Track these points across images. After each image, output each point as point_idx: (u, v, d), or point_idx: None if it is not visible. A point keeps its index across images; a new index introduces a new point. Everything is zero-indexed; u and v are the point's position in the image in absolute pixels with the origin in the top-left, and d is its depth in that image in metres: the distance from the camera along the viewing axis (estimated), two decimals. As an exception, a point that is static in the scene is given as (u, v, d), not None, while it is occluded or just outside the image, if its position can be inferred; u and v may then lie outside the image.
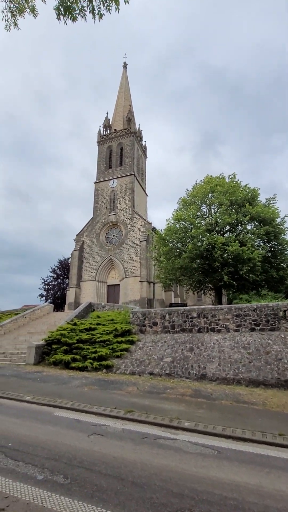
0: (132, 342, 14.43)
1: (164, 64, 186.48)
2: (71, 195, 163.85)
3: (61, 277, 47.54)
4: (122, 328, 15.31)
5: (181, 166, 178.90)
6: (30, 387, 8.53)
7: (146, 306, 26.90)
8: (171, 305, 29.84)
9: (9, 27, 5.81)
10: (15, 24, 5.80)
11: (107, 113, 39.87)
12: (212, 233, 17.99)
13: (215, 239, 17.10)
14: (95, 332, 15.18)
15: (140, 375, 11.89)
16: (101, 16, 5.13)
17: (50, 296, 45.61)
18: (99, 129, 38.14)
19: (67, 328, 15.51)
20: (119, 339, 14.60)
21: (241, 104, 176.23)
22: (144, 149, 39.94)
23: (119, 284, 31.15)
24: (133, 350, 13.88)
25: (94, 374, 11.64)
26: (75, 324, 16.32)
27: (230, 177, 22.27)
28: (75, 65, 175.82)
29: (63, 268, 47.72)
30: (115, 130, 37.49)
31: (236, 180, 21.80)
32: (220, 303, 21.29)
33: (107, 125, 38.60)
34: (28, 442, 4.69)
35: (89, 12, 5.10)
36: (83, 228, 34.32)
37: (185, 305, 32.38)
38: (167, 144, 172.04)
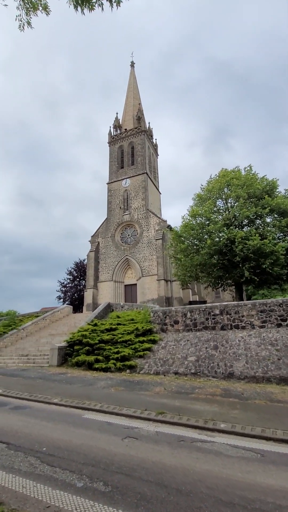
0: (154, 342, 14.22)
1: (169, 59, 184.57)
2: (83, 197, 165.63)
3: (78, 279, 47.91)
4: (143, 327, 15.14)
5: (192, 162, 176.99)
6: (56, 389, 8.46)
7: (164, 305, 26.65)
8: (190, 303, 29.38)
9: (23, 27, 5.71)
10: (29, 24, 5.69)
11: (117, 113, 39.86)
12: (231, 227, 17.52)
13: (234, 233, 16.63)
14: (116, 332, 15.07)
15: (164, 375, 11.67)
16: (118, 2, 4.92)
17: (67, 297, 46.03)
18: (110, 130, 38.14)
19: (88, 329, 15.47)
20: (141, 338, 14.43)
21: (250, 94, 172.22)
22: (155, 146, 39.64)
23: (136, 284, 31.03)
24: (156, 350, 13.66)
25: (118, 374, 11.50)
26: (95, 324, 16.27)
27: (246, 169, 21.68)
28: (80, 68, 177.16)
29: (79, 269, 48.08)
30: (125, 129, 37.39)
31: (252, 172, 21.20)
32: (241, 299, 20.76)
33: (117, 125, 38.54)
34: (62, 447, 4.55)
35: (106, 0, 4.91)
36: (98, 229, 34.41)
37: (205, 302, 31.83)
38: (177, 140, 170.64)
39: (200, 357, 12.31)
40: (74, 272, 47.41)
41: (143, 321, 16.44)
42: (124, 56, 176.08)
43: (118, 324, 16.33)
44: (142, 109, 37.83)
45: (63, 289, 46.90)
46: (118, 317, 18.21)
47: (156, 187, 37.21)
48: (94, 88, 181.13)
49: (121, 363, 12.58)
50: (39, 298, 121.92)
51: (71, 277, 47.36)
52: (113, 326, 15.70)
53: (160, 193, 38.42)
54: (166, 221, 30.85)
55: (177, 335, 14.61)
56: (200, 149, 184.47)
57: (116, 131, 38.33)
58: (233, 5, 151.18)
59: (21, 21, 5.62)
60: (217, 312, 14.45)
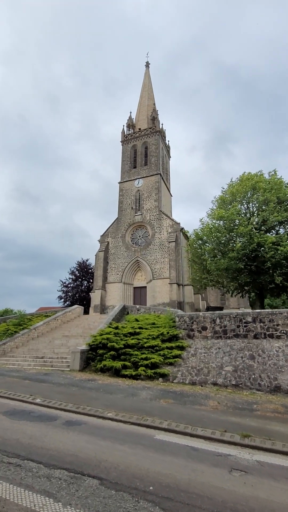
0: (182, 348, 13.38)
1: (174, 60, 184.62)
2: (82, 196, 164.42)
3: (80, 279, 46.86)
4: (168, 332, 14.29)
5: (192, 166, 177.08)
6: (100, 399, 7.58)
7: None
8: (207, 308, 28.65)
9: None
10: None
11: (130, 112, 39.30)
12: (260, 231, 16.85)
13: (264, 238, 15.95)
14: (140, 336, 14.20)
15: (201, 385, 10.83)
16: None
17: (68, 298, 44.90)
18: (123, 129, 37.52)
19: (110, 332, 14.58)
20: (168, 344, 13.59)
21: (254, 101, 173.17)
22: (168, 148, 39.08)
23: (146, 287, 30.17)
24: (186, 357, 12.82)
25: (151, 383, 10.64)
26: (116, 328, 15.40)
27: (271, 174, 21.14)
28: (83, 63, 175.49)
29: (82, 270, 47.06)
30: (139, 129, 36.78)
31: (278, 176, 20.66)
32: (262, 307, 20.06)
33: (130, 125, 37.95)
34: (171, 485, 3.65)
35: None
36: (108, 229, 33.55)
37: (222, 308, 31.14)
38: (178, 144, 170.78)
39: (238, 367, 11.51)
40: (77, 272, 46.33)
41: (166, 325, 15.60)
42: (129, 54, 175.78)
43: (140, 328, 15.47)
44: (157, 110, 37.27)
45: (65, 289, 45.77)
46: (137, 320, 17.35)
47: (168, 189, 36.57)
48: (97, 85, 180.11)
49: (152, 371, 11.72)
50: (32, 297, 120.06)
51: (73, 277, 46.31)
52: (136, 330, 14.83)
53: (172, 196, 37.79)
54: (179, 223, 30.14)
55: (205, 342, 13.78)
56: (201, 154, 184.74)
57: (129, 130, 37.72)
58: (241, 10, 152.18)
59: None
60: (249, 319, 13.69)
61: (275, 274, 15.52)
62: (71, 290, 45.29)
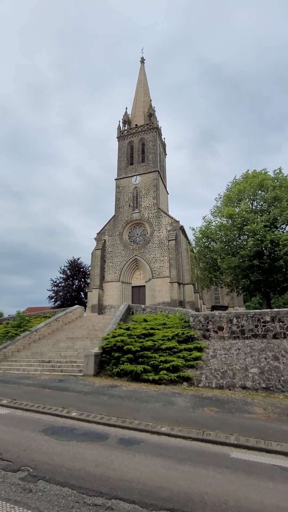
0: (200, 350, 12.83)
1: (161, 58, 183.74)
2: (66, 194, 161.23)
3: (71, 278, 45.64)
4: (183, 333, 13.71)
5: (178, 165, 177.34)
6: (141, 410, 6.85)
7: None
8: (213, 307, 28.30)
9: None
10: None
11: (126, 108, 38.42)
12: (272, 229, 16.57)
13: (278, 235, 15.67)
14: (155, 338, 13.54)
15: (230, 389, 10.30)
16: None
17: (59, 298, 43.58)
18: (119, 124, 36.65)
19: (123, 333, 13.82)
20: (184, 345, 13.00)
21: (239, 101, 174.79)
22: (164, 145, 38.55)
23: (144, 286, 29.50)
24: (206, 359, 12.27)
25: (177, 388, 10.02)
26: (128, 329, 14.65)
27: (276, 171, 21.00)
28: (68, 57, 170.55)
29: (73, 268, 45.88)
30: (136, 125, 36.02)
31: (284, 174, 20.53)
32: (269, 307, 19.87)
33: (126, 121, 37.11)
34: None
35: None
36: (105, 226, 32.61)
37: (226, 307, 30.89)
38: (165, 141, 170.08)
39: (264, 369, 11.07)
40: (68, 271, 45.08)
41: (178, 326, 15.03)
42: (115, 49, 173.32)
43: (152, 328, 14.80)
44: (153, 106, 36.63)
45: (55, 288, 44.37)
46: (146, 320, 16.67)
47: (165, 187, 36.04)
48: (81, 79, 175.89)
49: (174, 374, 11.08)
50: (15, 297, 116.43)
51: (64, 276, 44.99)
52: (150, 331, 14.14)
53: (168, 193, 37.27)
54: (178, 221, 29.65)
55: (223, 343, 13.30)
56: (187, 152, 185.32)
57: (124, 126, 36.90)
58: (228, 9, 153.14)
59: None
60: (268, 319, 13.32)
61: (288, 272, 15.26)
62: (62, 289, 43.94)
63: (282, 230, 17.51)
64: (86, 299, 40.79)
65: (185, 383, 10.79)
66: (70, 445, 4.86)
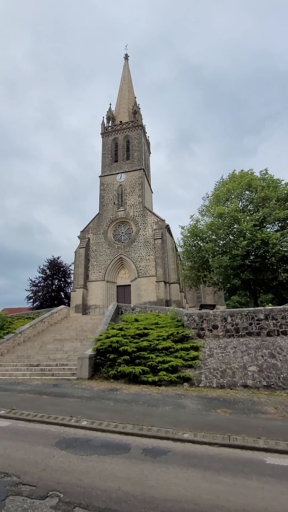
0: (196, 349, 12.65)
1: (140, 55, 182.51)
2: (42, 191, 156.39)
3: (51, 278, 44.14)
4: (178, 332, 13.48)
5: (156, 165, 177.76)
6: (153, 415, 6.44)
7: (165, 308, 25.11)
8: (201, 306, 28.31)
9: None
10: None
11: (110, 104, 37.73)
12: (262, 228, 16.80)
13: (269, 234, 15.90)
14: (150, 337, 13.19)
15: (231, 388, 10.19)
16: None
17: (38, 298, 42.00)
18: (103, 120, 35.90)
19: (117, 334, 13.35)
20: (180, 345, 12.77)
21: (216, 102, 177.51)
22: (148, 144, 38.27)
23: (130, 285, 29.06)
24: (203, 358, 12.11)
25: (179, 389, 9.74)
26: (121, 329, 14.20)
27: (262, 172, 21.41)
28: (45, 49, 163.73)
29: (53, 267, 44.42)
30: (120, 122, 35.45)
31: (270, 175, 20.97)
32: (257, 305, 20.20)
33: (110, 117, 36.42)
34: None
35: None
36: (89, 224, 31.77)
37: (214, 306, 31.03)
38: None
39: (262, 367, 11.08)
40: (48, 271, 43.59)
41: (171, 325, 14.82)
42: (94, 44, 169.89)
43: (145, 328, 14.43)
44: (138, 104, 36.23)
45: (34, 288, 42.71)
46: (137, 320, 16.29)
47: (149, 186, 35.78)
48: (58, 73, 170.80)
49: (174, 375, 10.80)
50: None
51: (43, 275, 43.45)
52: (145, 331, 13.76)
53: (152, 192, 37.06)
54: (164, 220, 29.48)
55: (218, 342, 13.23)
56: (165, 152, 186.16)
57: (108, 122, 36.19)
58: (206, 11, 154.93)
59: None
60: (262, 317, 13.43)
61: (279, 270, 15.51)
62: (42, 289, 42.40)
63: (270, 229, 17.82)
64: (67, 299, 39.66)
65: (185, 384, 10.54)
66: (93, 460, 4.37)
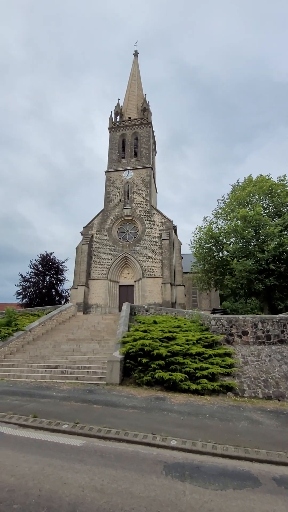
0: (229, 355, 11.99)
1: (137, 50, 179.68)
2: (27, 183, 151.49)
3: (43, 274, 42.36)
4: (206, 337, 12.77)
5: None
6: (239, 433, 5.62)
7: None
8: (214, 310, 27.67)
9: None
10: None
11: (118, 99, 36.82)
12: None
13: (297, 240, 15.57)
14: (179, 341, 12.39)
15: (279, 400, 9.57)
16: None
17: (28, 294, 40.14)
18: (111, 115, 34.93)
19: (145, 336, 12.48)
20: (210, 351, 12.04)
21: (210, 107, 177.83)
22: (155, 143, 37.62)
23: (133, 285, 28.13)
24: (239, 366, 11.45)
25: (227, 399, 9.04)
26: (146, 331, 13.32)
27: (280, 178, 21.27)
28: (40, 37, 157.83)
29: (46, 263, 42.65)
30: (129, 118, 34.60)
31: (288, 181, 20.84)
32: (274, 312, 19.86)
33: (118, 112, 35.53)
34: None
35: None
36: (92, 220, 30.60)
37: (225, 311, 30.54)
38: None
39: (305, 377, 10.55)
40: (40, 267, 41.85)
41: (195, 329, 14.12)
42: (89, 35, 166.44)
43: (170, 331, 13.62)
44: (148, 101, 35.55)
45: (25, 284, 40.82)
46: (155, 322, 15.47)
47: (155, 185, 35.09)
48: (51, 62, 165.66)
49: (217, 384, 10.05)
50: None
51: (35, 271, 41.66)
52: (171, 335, 12.94)
53: (157, 192, 36.38)
54: (172, 221, 28.84)
55: (249, 349, 12.64)
56: (157, 154, 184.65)
57: (116, 117, 35.28)
58: (206, 13, 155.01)
59: None
60: (295, 324, 12.99)
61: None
62: (32, 285, 40.63)
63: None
64: (58, 296, 38.20)
65: (230, 393, 9.82)
66: (234, 498, 3.48)
